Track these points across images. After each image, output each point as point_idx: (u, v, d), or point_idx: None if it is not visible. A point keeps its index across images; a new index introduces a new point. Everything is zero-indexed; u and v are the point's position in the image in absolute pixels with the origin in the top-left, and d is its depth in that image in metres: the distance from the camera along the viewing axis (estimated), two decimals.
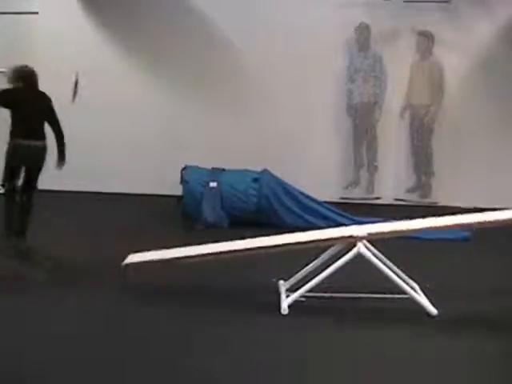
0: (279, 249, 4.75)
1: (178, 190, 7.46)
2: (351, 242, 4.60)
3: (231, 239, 6.53)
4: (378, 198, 8.83)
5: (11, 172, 6.02)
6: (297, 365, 3.77)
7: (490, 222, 4.76)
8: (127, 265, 4.88)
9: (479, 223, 4.83)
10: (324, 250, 4.85)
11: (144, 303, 4.70)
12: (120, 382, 3.56)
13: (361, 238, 4.56)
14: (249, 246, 4.82)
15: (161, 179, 8.41)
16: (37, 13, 8.80)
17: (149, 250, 6.19)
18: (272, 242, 4.85)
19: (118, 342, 4.04)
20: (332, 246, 4.78)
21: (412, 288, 4.73)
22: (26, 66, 6.31)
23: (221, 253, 4.80)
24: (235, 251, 4.79)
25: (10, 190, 6.04)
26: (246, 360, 3.83)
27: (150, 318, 4.43)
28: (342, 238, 4.68)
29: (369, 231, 4.63)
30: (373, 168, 8.88)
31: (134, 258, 4.94)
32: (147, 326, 4.28)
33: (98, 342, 4.01)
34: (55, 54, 8.77)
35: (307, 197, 7.40)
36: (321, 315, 4.51)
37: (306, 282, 4.62)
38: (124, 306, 4.62)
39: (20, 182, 6.13)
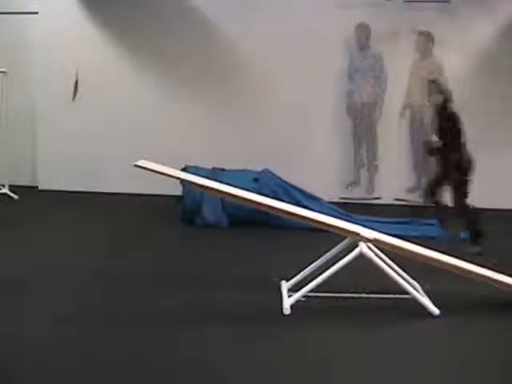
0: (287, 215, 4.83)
1: (178, 190, 7.46)
2: (356, 239, 4.60)
3: (231, 238, 6.60)
4: (377, 198, 8.83)
5: None
6: (298, 364, 3.78)
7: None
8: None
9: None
10: (326, 250, 4.86)
11: (139, 300, 4.70)
12: (121, 381, 3.56)
13: (366, 240, 4.56)
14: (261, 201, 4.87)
15: (161, 179, 8.37)
16: (37, 13, 8.79)
17: (148, 249, 6.22)
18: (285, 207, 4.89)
19: (116, 342, 4.03)
20: (335, 239, 4.79)
21: (414, 288, 4.73)
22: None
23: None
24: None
25: None
26: (247, 360, 3.83)
27: (148, 317, 4.43)
28: (349, 232, 4.68)
29: (376, 237, 4.63)
30: (373, 168, 8.89)
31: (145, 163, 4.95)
32: (146, 326, 4.28)
33: (95, 343, 4.01)
34: (55, 54, 8.78)
35: (308, 196, 7.39)
36: (322, 315, 4.52)
37: (308, 282, 4.62)
38: (121, 306, 4.63)
39: None
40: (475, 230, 6.30)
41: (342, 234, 4.73)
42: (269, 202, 4.89)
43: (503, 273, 4.87)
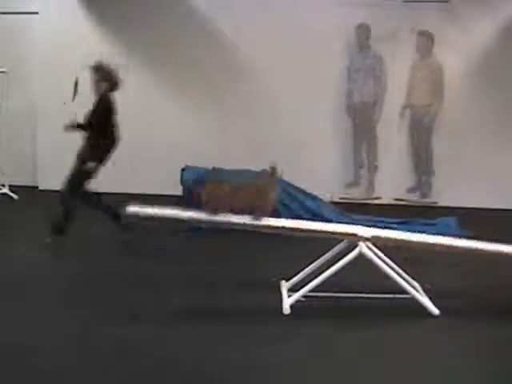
0: (284, 230, 4.74)
1: (177, 190, 7.46)
2: (354, 240, 4.59)
3: (231, 238, 6.58)
4: (377, 198, 8.84)
5: None
6: (298, 364, 3.77)
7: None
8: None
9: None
10: (326, 250, 4.85)
11: (141, 300, 4.70)
12: (120, 381, 3.56)
13: (364, 239, 4.56)
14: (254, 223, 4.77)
15: (161, 179, 8.42)
16: (37, 13, 8.80)
17: (147, 249, 6.22)
18: (277, 223, 4.81)
19: (115, 341, 4.03)
20: (334, 239, 4.78)
21: (413, 287, 4.73)
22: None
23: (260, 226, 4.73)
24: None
25: None
26: (246, 360, 3.82)
27: (147, 317, 4.43)
28: (347, 234, 4.68)
29: (374, 234, 4.62)
30: (373, 168, 8.89)
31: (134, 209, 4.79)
32: (146, 326, 4.28)
33: (101, 343, 4.01)
34: (55, 54, 8.78)
35: (307, 196, 7.40)
36: (322, 315, 4.51)
37: (308, 282, 4.62)
38: (120, 305, 4.62)
39: None
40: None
41: (341, 237, 4.72)
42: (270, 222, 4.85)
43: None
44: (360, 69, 8.78)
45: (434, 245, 4.74)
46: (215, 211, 4.65)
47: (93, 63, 6.10)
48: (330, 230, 4.76)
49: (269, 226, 4.71)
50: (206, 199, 4.72)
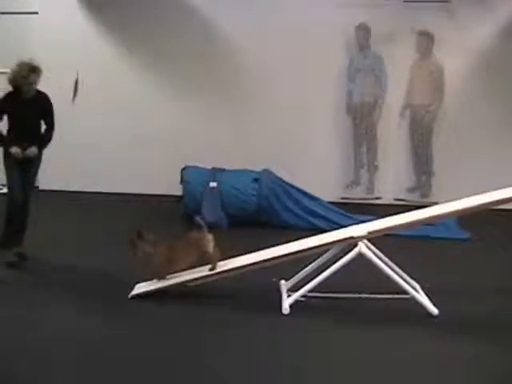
0: (279, 260, 4.73)
1: (177, 190, 7.47)
2: (352, 242, 4.60)
3: (231, 238, 6.58)
4: (378, 198, 8.83)
5: None
6: (297, 364, 3.78)
7: (484, 205, 4.81)
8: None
9: (473, 207, 4.84)
10: (325, 250, 4.85)
11: (142, 303, 4.70)
12: (121, 381, 3.57)
13: (361, 238, 4.56)
14: (248, 262, 4.81)
15: (161, 179, 8.42)
16: (37, 13, 8.80)
17: None
18: (271, 254, 4.83)
19: (117, 343, 4.04)
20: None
21: (413, 288, 4.73)
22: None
23: (222, 272, 4.82)
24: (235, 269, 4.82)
25: None
26: (246, 359, 3.83)
27: (149, 318, 4.44)
28: (343, 240, 4.68)
29: (368, 230, 4.63)
30: (373, 168, 8.89)
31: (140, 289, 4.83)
32: (147, 327, 4.29)
33: (102, 343, 4.01)
34: (55, 54, 8.76)
35: (307, 197, 7.40)
36: (322, 315, 4.52)
37: (308, 282, 4.62)
38: (121, 307, 4.62)
39: None
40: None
41: (338, 244, 4.72)
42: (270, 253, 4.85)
43: None
44: (360, 69, 8.78)
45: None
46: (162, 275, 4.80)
47: (28, 63, 5.85)
48: (326, 241, 4.75)
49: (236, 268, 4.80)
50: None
